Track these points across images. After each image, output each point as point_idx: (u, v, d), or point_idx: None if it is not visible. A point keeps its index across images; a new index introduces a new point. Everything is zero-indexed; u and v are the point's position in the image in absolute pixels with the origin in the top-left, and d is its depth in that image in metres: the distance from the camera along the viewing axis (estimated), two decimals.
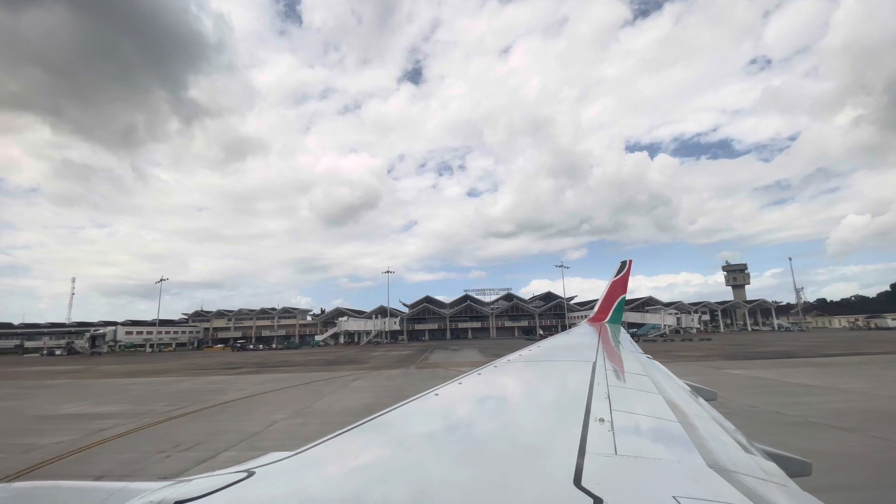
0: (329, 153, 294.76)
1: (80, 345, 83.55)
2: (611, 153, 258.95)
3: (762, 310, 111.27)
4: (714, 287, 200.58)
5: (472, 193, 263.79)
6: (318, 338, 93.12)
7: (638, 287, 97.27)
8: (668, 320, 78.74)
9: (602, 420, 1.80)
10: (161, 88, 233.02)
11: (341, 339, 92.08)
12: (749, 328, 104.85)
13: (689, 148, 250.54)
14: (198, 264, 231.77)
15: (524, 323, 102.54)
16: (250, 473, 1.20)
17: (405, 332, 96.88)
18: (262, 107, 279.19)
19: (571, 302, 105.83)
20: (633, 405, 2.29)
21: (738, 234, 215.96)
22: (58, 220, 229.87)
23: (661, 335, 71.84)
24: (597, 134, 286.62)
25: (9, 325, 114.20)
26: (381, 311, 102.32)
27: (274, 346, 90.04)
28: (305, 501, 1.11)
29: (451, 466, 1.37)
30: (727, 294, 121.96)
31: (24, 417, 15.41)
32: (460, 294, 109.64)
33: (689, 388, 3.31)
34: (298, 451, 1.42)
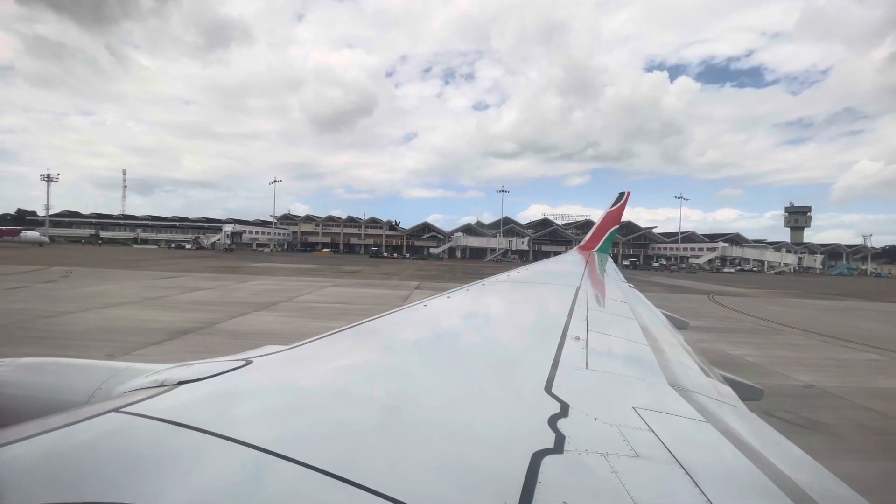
0: (323, 47, 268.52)
1: (202, 241, 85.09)
2: (628, 71, 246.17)
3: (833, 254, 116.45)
4: (713, 224, 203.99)
5: (478, 106, 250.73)
6: (433, 251, 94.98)
7: (637, 220, 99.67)
8: (787, 259, 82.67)
9: (578, 338, 1.96)
10: None
11: (457, 254, 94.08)
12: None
13: (716, 73, 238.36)
14: (190, 162, 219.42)
15: None
16: (248, 362, 1.28)
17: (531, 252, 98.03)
18: None
19: (653, 231, 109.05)
20: (609, 328, 2.43)
21: (746, 172, 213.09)
22: (38, 104, 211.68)
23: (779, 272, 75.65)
24: (617, 48, 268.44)
25: (77, 214, 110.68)
26: (467, 229, 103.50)
27: (408, 256, 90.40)
28: (297, 389, 1.21)
29: (432, 369, 1.49)
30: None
31: None
32: (461, 219, 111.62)
33: (663, 317, 3.54)
34: (293, 345, 1.55)
